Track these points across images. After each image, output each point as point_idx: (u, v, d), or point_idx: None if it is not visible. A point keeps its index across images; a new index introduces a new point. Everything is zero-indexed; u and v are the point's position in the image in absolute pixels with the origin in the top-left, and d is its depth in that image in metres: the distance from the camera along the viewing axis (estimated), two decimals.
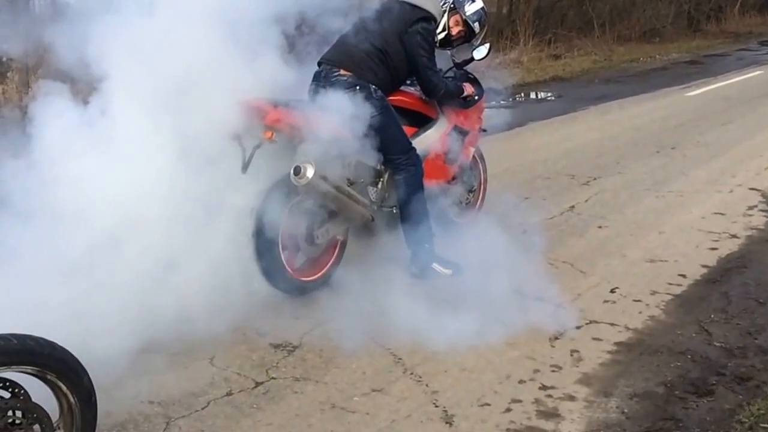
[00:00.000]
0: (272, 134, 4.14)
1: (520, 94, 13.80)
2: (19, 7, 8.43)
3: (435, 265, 4.84)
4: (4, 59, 8.38)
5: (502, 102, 12.32)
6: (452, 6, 5.14)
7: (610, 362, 3.83)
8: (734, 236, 5.66)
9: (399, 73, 4.84)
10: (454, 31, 5.18)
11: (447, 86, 5.07)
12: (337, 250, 4.75)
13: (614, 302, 4.55)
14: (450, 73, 5.42)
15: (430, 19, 4.78)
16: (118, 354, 3.64)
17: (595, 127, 10.27)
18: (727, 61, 18.35)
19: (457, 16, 5.15)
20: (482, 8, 5.25)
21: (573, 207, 6.45)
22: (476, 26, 5.22)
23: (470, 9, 5.17)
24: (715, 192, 6.83)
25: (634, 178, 7.38)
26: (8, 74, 8.39)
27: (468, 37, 5.26)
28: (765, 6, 30.68)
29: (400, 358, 3.85)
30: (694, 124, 10.11)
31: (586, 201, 6.63)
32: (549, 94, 13.53)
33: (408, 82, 5.04)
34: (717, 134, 9.40)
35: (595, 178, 7.37)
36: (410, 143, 4.79)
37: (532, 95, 13.72)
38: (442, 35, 5.13)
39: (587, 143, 9.12)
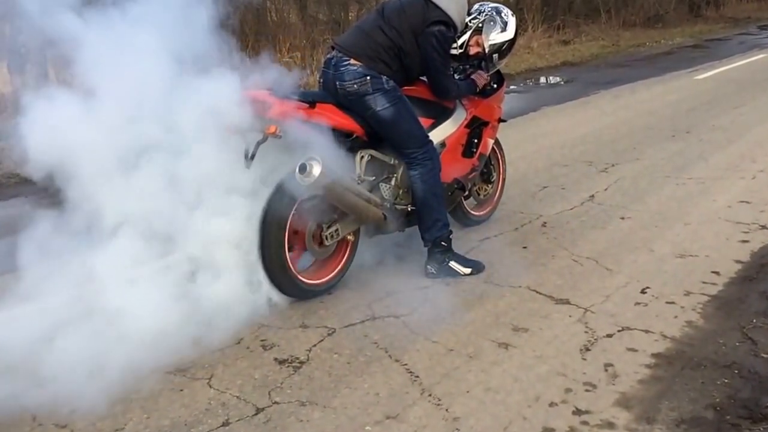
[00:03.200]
0: (276, 129, 3.49)
1: (532, 79, 13.07)
2: None
3: (453, 264, 4.20)
4: (23, 50, 7.76)
5: (514, 87, 11.66)
6: (480, 26, 4.36)
7: (650, 379, 3.16)
8: (764, 227, 4.95)
9: (413, 71, 4.17)
10: (472, 51, 4.41)
11: (459, 89, 4.37)
12: (347, 252, 4.09)
13: (646, 305, 3.87)
14: (473, 61, 4.64)
15: (449, 24, 4.07)
16: (104, 374, 3.08)
17: (608, 111, 9.54)
18: (729, 45, 17.55)
19: (480, 38, 4.38)
20: (509, 41, 4.42)
21: (593, 196, 5.76)
22: (494, 57, 4.45)
23: (495, 38, 4.37)
24: (738, 178, 6.11)
25: (652, 164, 6.66)
26: (27, 66, 7.79)
27: (485, 61, 4.50)
28: None
29: (417, 376, 3.19)
30: (706, 108, 9.36)
31: (606, 189, 5.93)
32: (560, 79, 12.76)
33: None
34: (731, 118, 8.64)
35: (613, 165, 6.67)
36: (426, 136, 4.12)
37: (544, 80, 12.96)
38: (458, 51, 4.38)
39: (602, 128, 8.39)
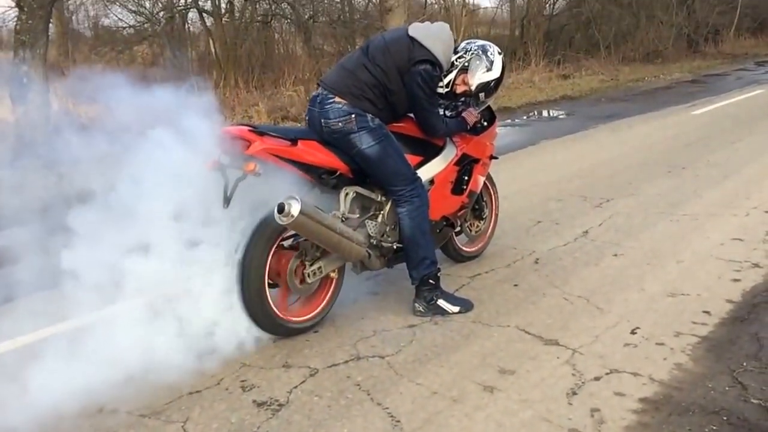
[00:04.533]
0: (255, 167, 3.38)
1: (533, 112, 13.00)
2: None
3: (441, 302, 4.07)
4: (25, 80, 7.74)
5: (517, 120, 11.59)
6: (466, 65, 4.22)
7: (636, 425, 3.01)
8: (756, 265, 4.81)
9: (399, 108, 4.06)
10: (459, 89, 4.27)
11: (447, 127, 4.26)
12: (331, 289, 3.97)
13: (635, 346, 3.72)
14: (462, 98, 4.47)
15: (434, 64, 3.96)
16: (73, 416, 2.96)
17: (606, 145, 9.44)
18: (727, 81, 17.47)
19: (466, 77, 4.24)
20: (495, 80, 4.29)
21: (587, 232, 5.63)
22: (481, 96, 4.32)
23: (480, 77, 4.23)
24: (731, 215, 5.97)
25: (647, 200, 6.53)
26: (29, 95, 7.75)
27: (472, 99, 4.37)
28: (758, 29, 30.62)
29: (398, 421, 3.04)
30: (703, 143, 9.24)
31: (600, 225, 5.80)
32: (560, 113, 12.68)
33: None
34: (727, 154, 8.52)
35: (608, 200, 6.55)
36: (414, 173, 4.01)
37: (544, 113, 12.88)
38: (445, 90, 4.24)
39: (599, 163, 8.28)
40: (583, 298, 4.33)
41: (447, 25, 4.17)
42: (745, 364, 3.51)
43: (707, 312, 4.10)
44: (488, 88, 4.28)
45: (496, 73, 4.26)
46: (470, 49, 4.25)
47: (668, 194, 6.73)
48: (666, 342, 3.75)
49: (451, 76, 4.21)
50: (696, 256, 5.02)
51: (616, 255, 5.09)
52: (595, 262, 4.97)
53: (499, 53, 4.32)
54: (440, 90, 4.18)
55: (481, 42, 4.36)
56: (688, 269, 4.79)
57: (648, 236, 5.50)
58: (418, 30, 4.02)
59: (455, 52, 4.21)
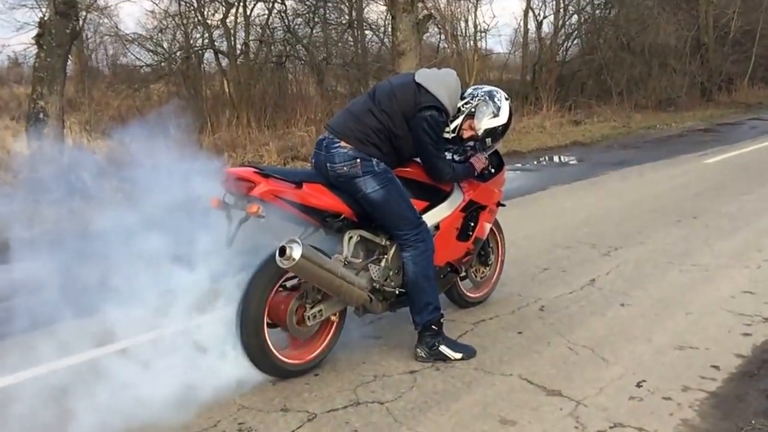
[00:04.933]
0: (258, 209, 3.38)
1: (543, 157, 13.01)
2: None
3: (443, 348, 4.02)
4: (42, 116, 7.82)
5: (528, 165, 11.59)
6: (472, 111, 4.22)
7: None
8: (767, 320, 4.73)
9: (405, 152, 4.07)
10: (465, 134, 4.26)
11: (455, 171, 4.25)
12: (331, 332, 3.95)
13: (641, 399, 3.65)
14: (470, 142, 4.44)
15: (440, 110, 3.98)
16: None
17: (616, 192, 9.41)
18: (740, 130, 17.45)
19: (472, 123, 4.23)
20: (502, 126, 4.28)
21: (594, 280, 5.57)
22: (488, 141, 4.32)
23: (487, 123, 4.22)
24: (742, 267, 5.90)
25: (656, 249, 6.47)
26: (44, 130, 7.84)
27: (479, 143, 4.36)
28: None
29: None
30: (714, 193, 9.18)
31: (608, 274, 5.74)
32: (570, 158, 12.68)
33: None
34: (738, 204, 8.45)
35: (616, 248, 6.49)
36: (419, 218, 3.99)
37: (555, 159, 12.89)
38: (451, 135, 4.23)
39: (608, 210, 8.24)
40: (588, 348, 4.26)
41: (454, 72, 4.19)
42: (753, 421, 3.43)
43: (716, 366, 4.03)
44: (495, 133, 4.28)
45: (503, 119, 4.26)
46: (477, 95, 4.25)
47: (678, 244, 6.66)
48: (673, 396, 3.67)
49: (458, 121, 4.21)
50: (705, 309, 4.95)
51: (623, 305, 5.03)
52: (601, 311, 4.90)
53: (506, 99, 4.32)
54: (447, 135, 4.17)
55: (488, 88, 4.36)
56: (697, 322, 4.71)
57: (656, 286, 5.43)
58: (424, 76, 4.04)
59: (462, 98, 4.21)
